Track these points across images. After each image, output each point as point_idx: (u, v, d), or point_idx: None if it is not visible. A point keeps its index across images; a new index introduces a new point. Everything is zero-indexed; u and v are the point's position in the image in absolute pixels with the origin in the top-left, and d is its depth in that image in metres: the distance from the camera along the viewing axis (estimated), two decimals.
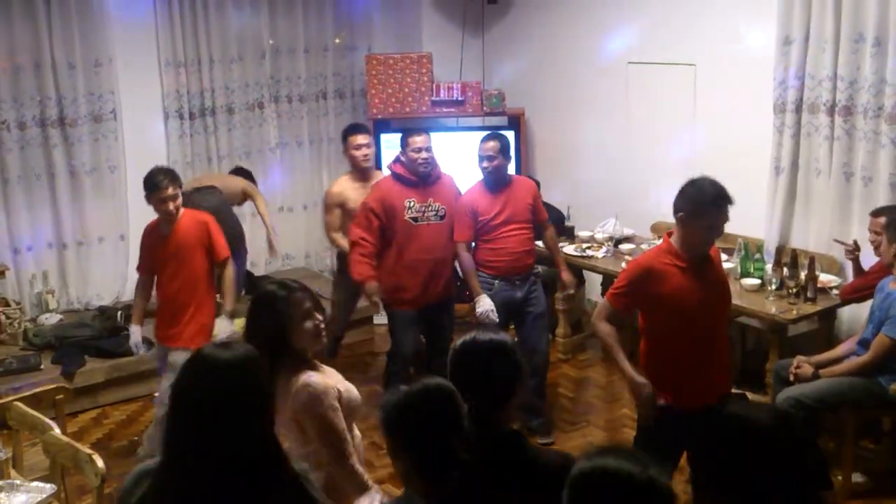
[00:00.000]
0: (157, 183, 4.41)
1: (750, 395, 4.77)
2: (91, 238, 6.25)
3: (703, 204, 3.26)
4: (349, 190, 5.24)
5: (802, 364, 4.27)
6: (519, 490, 2.08)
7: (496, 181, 4.76)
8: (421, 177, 4.81)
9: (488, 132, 4.93)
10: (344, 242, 5.13)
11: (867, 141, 4.81)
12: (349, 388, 2.87)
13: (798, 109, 5.10)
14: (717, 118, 5.65)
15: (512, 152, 6.51)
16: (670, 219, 3.46)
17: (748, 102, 5.43)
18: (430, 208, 4.81)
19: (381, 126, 6.69)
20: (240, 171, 6.24)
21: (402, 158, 4.86)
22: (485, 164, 4.72)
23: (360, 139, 5.22)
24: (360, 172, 5.28)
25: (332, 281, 5.82)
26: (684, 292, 3.31)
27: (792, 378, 4.27)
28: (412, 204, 4.79)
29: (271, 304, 2.76)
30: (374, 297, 4.76)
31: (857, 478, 4.24)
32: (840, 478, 4.21)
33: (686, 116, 5.81)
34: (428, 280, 4.80)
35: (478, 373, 2.21)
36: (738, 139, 5.52)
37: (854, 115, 4.87)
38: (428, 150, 4.78)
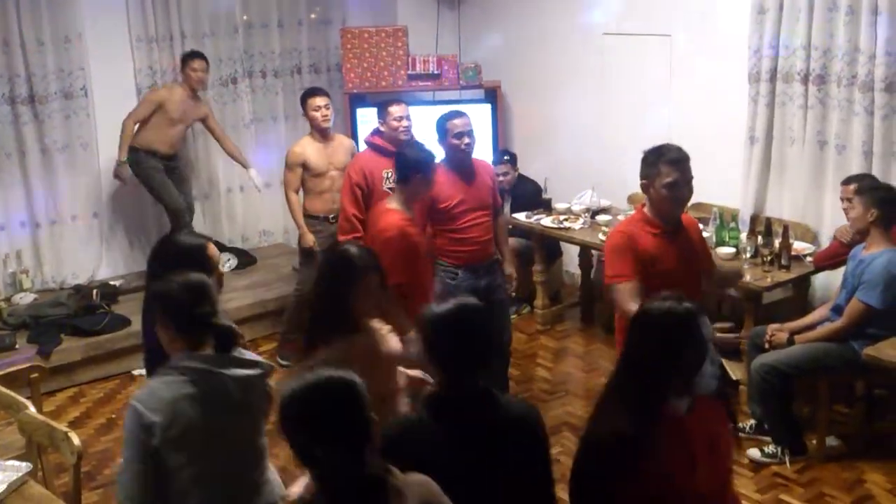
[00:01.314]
0: None
1: (725, 362, 4.82)
2: (64, 216, 6.19)
3: (657, 163, 3.32)
4: (311, 150, 5.39)
5: (776, 332, 4.32)
6: (490, 442, 2.26)
7: (466, 162, 4.50)
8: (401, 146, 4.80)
9: (454, 110, 4.64)
10: (297, 208, 5.40)
11: (841, 109, 4.84)
12: (389, 342, 3.10)
13: (772, 79, 5.12)
14: (692, 88, 5.66)
15: (489, 126, 6.67)
16: None
17: (723, 72, 5.44)
18: None
19: (357, 100, 6.65)
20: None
21: (382, 129, 4.86)
22: (466, 140, 4.42)
23: (319, 101, 5.38)
24: (321, 133, 5.42)
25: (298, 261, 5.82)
26: (659, 256, 3.33)
27: (767, 346, 4.32)
28: (390, 174, 4.78)
29: (352, 269, 2.97)
30: None
31: (831, 441, 4.30)
32: (814, 441, 4.28)
33: (662, 87, 5.82)
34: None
35: (466, 343, 2.29)
36: (713, 109, 5.54)
37: (828, 84, 4.89)
38: (407, 118, 4.81)
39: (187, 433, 2.42)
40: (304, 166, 5.36)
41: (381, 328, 3.13)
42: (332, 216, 5.42)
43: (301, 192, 5.48)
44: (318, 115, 5.36)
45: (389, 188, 4.78)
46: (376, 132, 4.93)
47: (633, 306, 3.19)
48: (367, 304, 2.98)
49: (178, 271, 2.61)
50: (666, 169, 3.30)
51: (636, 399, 2.25)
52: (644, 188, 3.41)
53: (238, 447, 2.55)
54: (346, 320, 2.92)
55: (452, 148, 4.44)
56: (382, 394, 2.62)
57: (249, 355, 2.61)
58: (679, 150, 3.36)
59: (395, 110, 4.82)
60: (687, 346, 2.24)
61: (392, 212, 3.95)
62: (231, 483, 2.53)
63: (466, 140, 4.44)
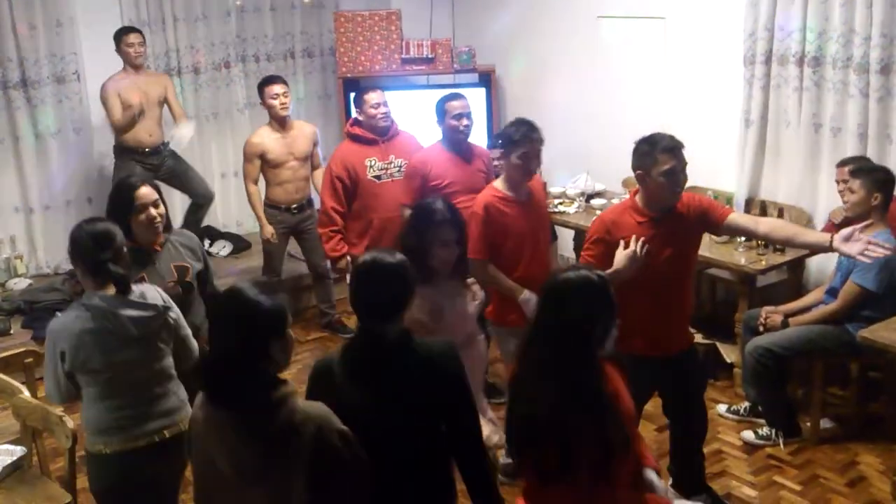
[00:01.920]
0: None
1: (719, 345, 4.84)
2: (58, 201, 6.17)
3: (653, 152, 3.28)
4: (269, 140, 5.32)
5: (771, 314, 4.32)
6: (407, 384, 2.42)
7: (464, 143, 4.51)
8: (380, 132, 4.80)
9: (453, 92, 4.68)
10: (256, 200, 5.35)
11: (836, 92, 4.83)
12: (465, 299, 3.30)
13: (768, 61, 5.10)
14: (687, 71, 5.64)
15: (484, 110, 6.65)
16: None
17: (718, 55, 5.43)
18: (392, 165, 4.80)
19: (351, 85, 6.61)
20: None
21: (360, 118, 4.84)
22: (465, 122, 4.44)
23: (276, 88, 5.29)
24: (279, 122, 5.34)
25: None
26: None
27: (761, 329, 4.33)
28: (374, 163, 4.80)
29: (430, 221, 3.17)
30: (345, 272, 4.83)
31: (825, 423, 4.32)
32: (809, 424, 4.29)
33: (656, 70, 5.80)
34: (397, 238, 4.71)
35: (372, 293, 2.47)
36: (708, 92, 5.52)
37: (823, 66, 4.88)
38: (385, 104, 4.78)
39: (89, 360, 2.84)
40: (263, 157, 5.29)
41: (471, 287, 3.35)
42: (293, 206, 5.40)
43: (263, 182, 5.43)
44: (276, 102, 5.26)
45: (374, 176, 4.79)
46: (355, 122, 4.91)
47: None
48: (441, 254, 3.13)
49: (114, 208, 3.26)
50: (663, 157, 3.27)
51: (585, 364, 2.38)
52: (640, 178, 3.36)
53: (138, 370, 2.92)
54: (420, 267, 3.01)
55: (451, 129, 4.46)
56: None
57: (151, 298, 2.94)
58: (672, 137, 3.33)
59: (371, 97, 4.79)
60: (606, 309, 2.42)
61: (489, 188, 3.95)
62: (135, 394, 2.93)
63: (465, 122, 4.44)
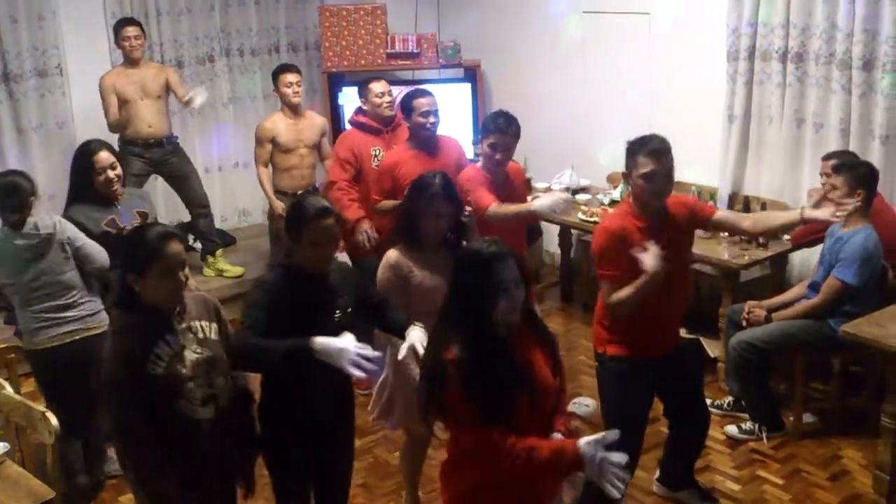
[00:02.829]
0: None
1: (703, 340, 4.86)
2: (41, 196, 6.09)
3: (637, 154, 3.27)
4: (281, 126, 5.43)
5: (754, 309, 4.34)
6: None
7: (431, 140, 4.48)
8: (385, 122, 4.82)
9: (419, 88, 4.65)
10: (266, 180, 5.46)
11: (818, 87, 4.86)
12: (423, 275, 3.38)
13: (751, 57, 5.13)
14: (671, 67, 5.66)
15: (469, 105, 6.65)
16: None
17: (702, 50, 5.45)
18: None
19: (337, 80, 6.61)
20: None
21: (365, 107, 4.85)
22: (431, 119, 4.40)
23: (291, 77, 5.42)
24: (292, 109, 5.45)
25: (268, 227, 5.81)
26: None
27: (744, 323, 4.35)
28: (378, 152, 4.81)
29: (424, 192, 3.39)
30: (369, 235, 4.72)
31: (807, 418, 4.35)
32: (791, 418, 4.32)
33: (641, 65, 5.82)
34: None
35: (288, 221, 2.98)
36: (692, 87, 5.54)
37: (806, 62, 4.91)
38: (389, 94, 4.83)
39: (5, 280, 3.77)
40: (274, 142, 5.40)
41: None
42: (299, 192, 5.40)
43: (270, 168, 5.51)
44: (289, 91, 5.38)
45: (377, 166, 4.79)
46: (359, 111, 4.92)
47: (612, 299, 3.31)
48: (428, 224, 3.36)
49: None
50: (643, 160, 3.25)
51: (476, 328, 2.44)
52: (624, 178, 3.39)
53: (45, 281, 3.72)
54: (409, 233, 3.39)
55: (417, 126, 4.44)
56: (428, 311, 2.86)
57: (42, 227, 3.69)
58: (662, 141, 3.30)
59: (376, 87, 4.82)
60: (487, 281, 2.44)
61: (470, 167, 4.22)
62: (48, 300, 3.73)
63: (432, 119, 4.43)
